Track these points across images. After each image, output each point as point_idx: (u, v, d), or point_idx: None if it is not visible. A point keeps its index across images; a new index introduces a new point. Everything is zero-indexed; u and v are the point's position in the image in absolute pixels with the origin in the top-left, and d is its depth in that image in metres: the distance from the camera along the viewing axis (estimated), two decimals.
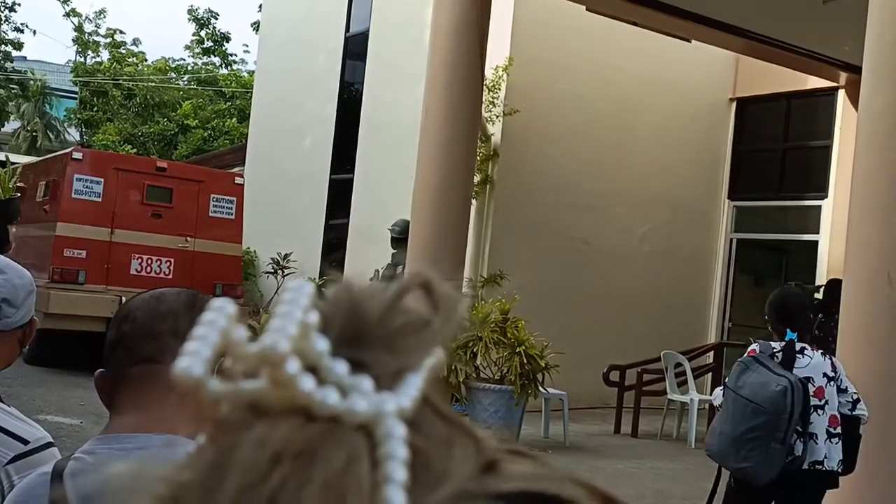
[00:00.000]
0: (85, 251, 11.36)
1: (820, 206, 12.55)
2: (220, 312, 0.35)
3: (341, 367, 0.34)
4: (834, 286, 8.07)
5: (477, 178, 10.53)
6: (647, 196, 12.59)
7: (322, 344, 0.34)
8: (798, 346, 4.59)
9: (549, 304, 11.14)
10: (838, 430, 4.51)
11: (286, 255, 14.15)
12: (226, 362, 0.35)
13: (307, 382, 0.33)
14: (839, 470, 4.51)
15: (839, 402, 4.55)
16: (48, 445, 1.92)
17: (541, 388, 8.99)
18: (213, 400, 0.34)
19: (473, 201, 10.11)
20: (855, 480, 4.73)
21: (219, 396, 0.34)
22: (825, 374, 4.55)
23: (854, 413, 4.58)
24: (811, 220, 12.70)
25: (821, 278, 12.12)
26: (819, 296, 11.13)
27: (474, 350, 8.89)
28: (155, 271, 11.59)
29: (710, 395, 6.70)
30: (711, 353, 11.42)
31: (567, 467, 0.39)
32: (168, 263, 11.68)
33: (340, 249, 13.61)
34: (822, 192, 12.53)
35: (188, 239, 11.91)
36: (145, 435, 1.47)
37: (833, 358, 4.73)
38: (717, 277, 13.52)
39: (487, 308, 9.21)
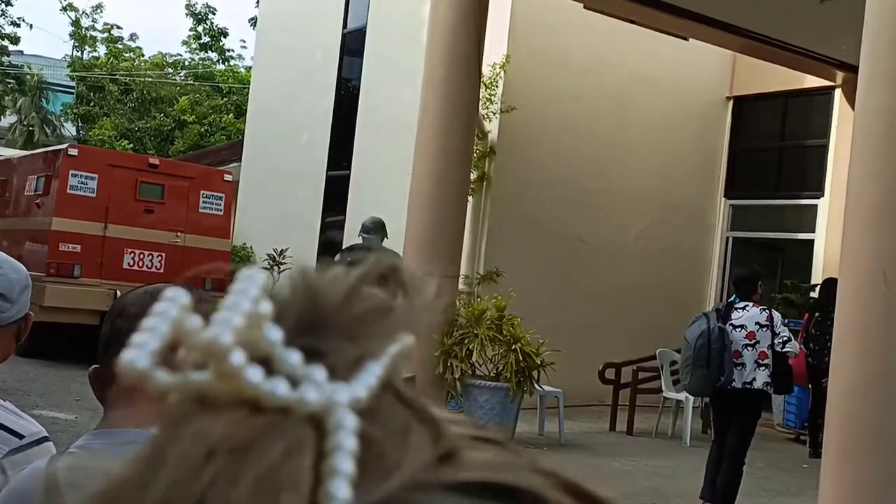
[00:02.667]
0: (79, 246, 11.42)
1: (816, 205, 12.57)
2: (172, 302, 0.34)
3: (294, 357, 0.33)
4: (830, 285, 8.10)
5: (473, 175, 10.53)
6: (644, 194, 12.59)
7: (275, 334, 0.34)
8: (742, 304, 6.63)
9: (545, 301, 11.14)
10: (766, 361, 6.45)
11: (282, 252, 14.13)
12: (179, 353, 0.34)
13: (254, 374, 0.32)
14: (766, 389, 6.52)
15: (774, 343, 6.45)
16: (43, 440, 1.91)
17: (536, 386, 9.00)
18: (160, 392, 0.33)
19: (470, 198, 10.11)
20: (854, 480, 4.75)
21: (166, 389, 0.33)
22: (758, 323, 6.51)
23: (784, 350, 6.52)
24: (807, 218, 12.71)
25: (816, 277, 12.13)
26: (815, 294, 11.16)
27: (470, 347, 8.89)
28: (147, 266, 11.73)
29: None
30: None
31: (557, 463, 0.38)
32: (160, 258, 11.82)
33: (337, 246, 13.60)
34: (818, 190, 12.54)
35: (179, 234, 12.00)
36: (139, 430, 1.47)
37: (773, 311, 6.64)
38: (713, 275, 13.53)
39: (483, 305, 9.21)
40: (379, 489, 0.32)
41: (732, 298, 6.79)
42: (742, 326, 6.52)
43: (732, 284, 6.96)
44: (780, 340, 6.50)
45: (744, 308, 6.61)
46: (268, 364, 0.33)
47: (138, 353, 0.33)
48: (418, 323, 0.38)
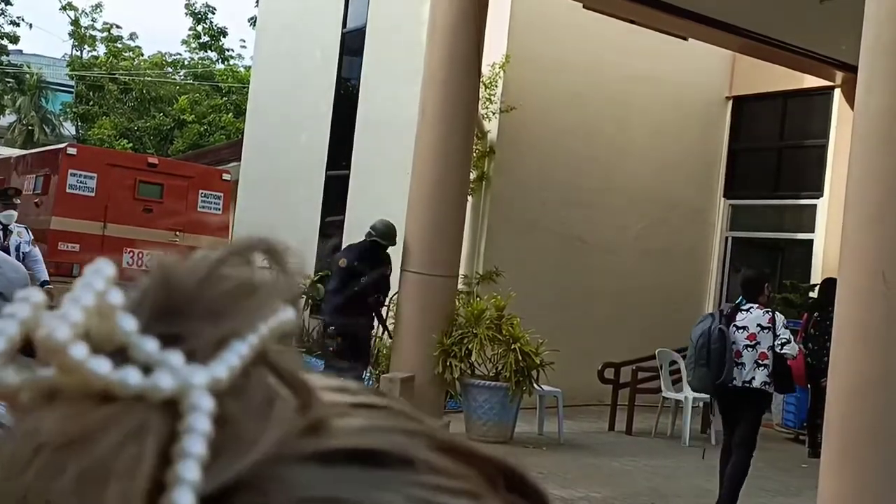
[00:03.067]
0: (79, 245, 11.42)
1: (815, 205, 12.57)
2: (23, 303, 0.33)
3: (150, 345, 0.33)
4: (829, 285, 8.12)
5: (473, 175, 10.53)
6: (643, 194, 12.59)
7: (129, 323, 0.33)
8: (747, 305, 6.86)
9: (545, 301, 11.14)
10: (765, 361, 6.71)
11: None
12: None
13: (100, 366, 0.31)
14: (764, 388, 6.78)
15: (774, 344, 6.71)
16: None
17: (535, 386, 9.00)
18: (10, 391, 0.32)
19: (469, 198, 10.11)
20: (853, 479, 4.75)
21: (14, 387, 0.32)
22: (759, 325, 6.77)
23: (782, 351, 6.74)
24: (806, 218, 12.71)
25: (816, 277, 12.13)
26: (814, 294, 11.16)
27: (469, 347, 8.89)
28: (146, 265, 11.70)
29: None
30: None
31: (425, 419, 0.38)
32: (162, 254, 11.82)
33: (336, 245, 13.59)
34: (817, 190, 12.54)
35: (178, 233, 12.02)
36: None
37: (776, 314, 6.89)
38: (713, 275, 13.53)
39: (483, 305, 9.21)
40: (232, 468, 0.31)
41: (739, 300, 7.01)
42: (744, 328, 6.79)
43: (740, 286, 7.13)
44: (779, 342, 6.75)
45: (748, 310, 6.86)
46: (124, 354, 0.33)
47: None
48: (291, 295, 0.37)
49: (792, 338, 6.87)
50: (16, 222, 9.37)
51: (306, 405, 0.34)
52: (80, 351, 0.31)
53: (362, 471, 0.33)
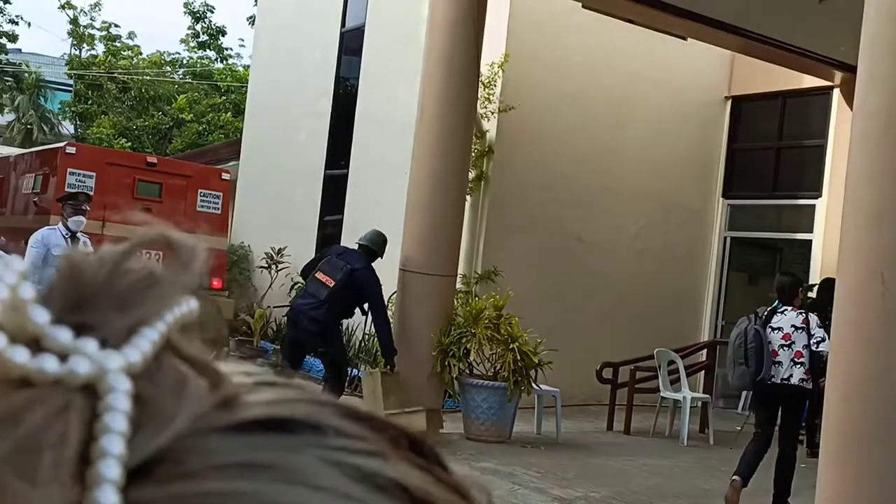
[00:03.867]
0: None
1: (814, 206, 12.57)
2: None
3: (64, 334, 0.33)
4: (828, 285, 8.14)
5: (472, 175, 10.54)
6: (642, 193, 12.60)
7: (41, 315, 0.34)
8: (782, 308, 7.32)
9: (543, 300, 11.15)
10: (801, 360, 7.16)
11: (280, 250, 14.14)
12: None
13: (17, 354, 0.32)
14: (802, 385, 7.16)
15: (809, 343, 7.15)
16: None
17: (534, 385, 9.00)
18: None
19: (468, 197, 10.12)
20: (851, 478, 4.75)
21: None
22: (794, 325, 7.22)
23: (817, 349, 7.12)
24: (805, 219, 12.72)
25: (814, 277, 12.13)
26: (813, 294, 11.17)
27: (468, 346, 8.90)
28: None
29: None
30: (704, 351, 11.44)
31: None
32: (157, 257, 11.77)
33: (334, 245, 13.59)
34: (815, 191, 12.55)
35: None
36: None
37: (809, 315, 7.31)
38: (711, 275, 13.54)
39: (481, 304, 9.21)
40: (153, 441, 0.33)
41: (775, 304, 7.43)
42: (779, 328, 7.24)
43: (776, 291, 7.57)
44: (815, 340, 7.17)
45: (783, 312, 7.32)
46: (38, 345, 0.33)
47: None
48: (192, 286, 0.39)
49: (826, 336, 7.10)
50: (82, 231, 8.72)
51: (215, 383, 0.36)
52: None
53: (274, 437, 0.35)
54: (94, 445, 0.32)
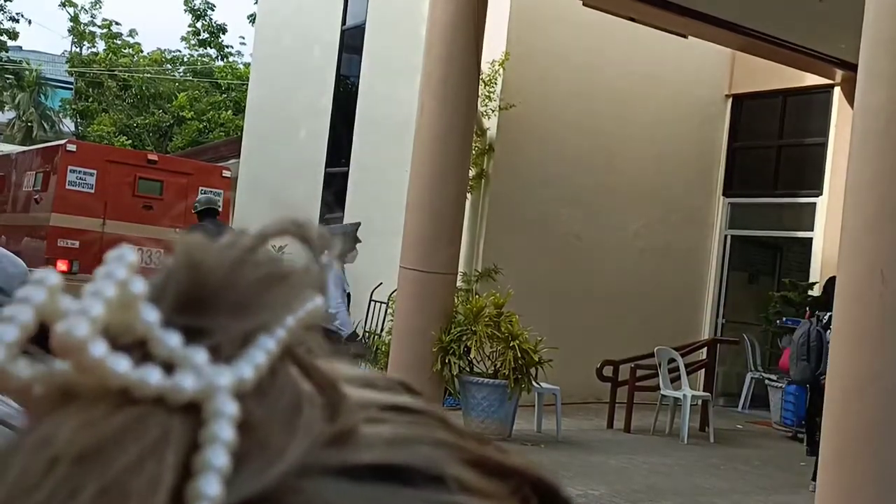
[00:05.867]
0: (78, 241, 11.41)
1: (814, 204, 12.57)
2: (39, 285, 0.30)
3: (173, 339, 0.30)
4: (832, 283, 8.18)
5: (472, 173, 10.53)
6: (642, 192, 12.59)
7: (151, 314, 0.31)
8: None
9: (544, 298, 11.15)
10: None
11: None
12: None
13: (119, 364, 0.29)
14: None
15: None
16: None
17: (534, 383, 9.00)
18: (21, 385, 0.30)
19: (468, 195, 10.11)
20: (851, 478, 4.75)
21: (28, 381, 0.30)
22: None
23: None
24: (805, 217, 12.71)
25: (815, 275, 12.15)
26: (814, 293, 11.18)
27: (468, 344, 8.90)
28: (146, 262, 11.68)
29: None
30: (705, 350, 11.43)
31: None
32: (159, 254, 11.78)
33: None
34: (816, 189, 12.54)
35: (177, 230, 11.99)
36: None
37: None
38: (711, 274, 13.54)
39: (481, 302, 9.21)
40: (257, 480, 0.29)
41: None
42: None
43: (824, 292, 8.16)
44: None
45: None
46: (144, 348, 0.31)
47: None
48: (321, 283, 0.36)
49: None
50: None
51: (334, 408, 0.32)
52: (98, 349, 0.29)
53: (388, 489, 0.31)
54: (189, 485, 0.28)
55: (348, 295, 8.45)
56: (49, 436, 0.29)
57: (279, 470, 0.30)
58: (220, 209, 10.17)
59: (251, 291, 0.33)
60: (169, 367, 0.30)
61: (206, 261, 0.33)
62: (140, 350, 0.30)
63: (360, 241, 8.84)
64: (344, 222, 13.46)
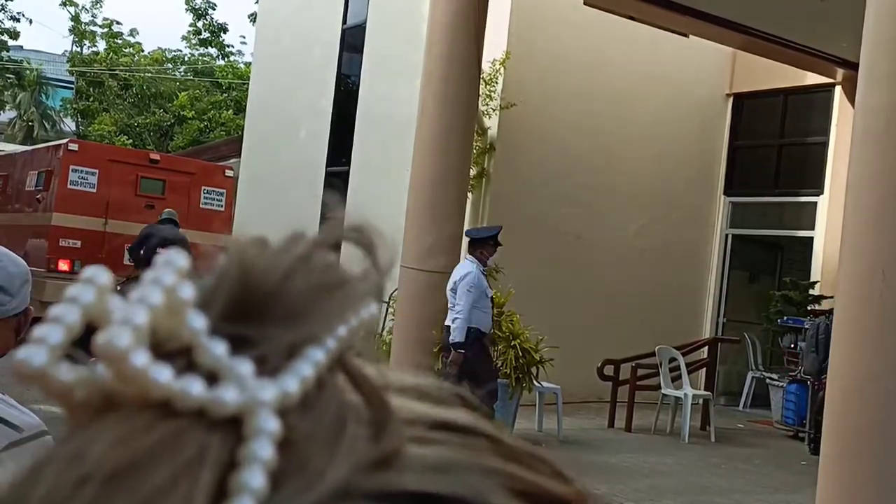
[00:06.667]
0: (80, 241, 11.40)
1: (815, 203, 12.56)
2: (86, 285, 0.30)
3: (218, 348, 0.29)
4: None
5: (473, 172, 10.53)
6: (643, 191, 12.59)
7: (198, 321, 0.30)
8: None
9: (545, 297, 11.15)
10: None
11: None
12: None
13: (162, 374, 0.28)
14: None
15: None
16: (42, 434, 1.92)
17: (535, 382, 9.00)
18: (63, 389, 0.29)
19: (469, 195, 10.11)
20: (851, 478, 4.75)
21: (69, 386, 0.29)
22: None
23: None
24: (806, 216, 12.71)
25: (815, 274, 12.14)
26: (815, 292, 11.18)
27: None
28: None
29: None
30: (706, 349, 11.44)
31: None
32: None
33: (336, 243, 13.58)
34: (817, 188, 12.54)
35: (180, 230, 11.98)
36: None
37: None
38: (712, 273, 13.53)
39: None
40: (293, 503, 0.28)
41: None
42: None
43: None
44: None
45: None
46: (189, 356, 0.30)
47: (36, 349, 0.29)
48: (378, 290, 0.34)
49: None
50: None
51: (380, 426, 0.31)
52: (140, 359, 0.28)
53: None
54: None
55: None
56: (82, 451, 0.28)
57: (317, 493, 0.28)
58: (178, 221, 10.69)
59: (303, 300, 0.32)
60: (212, 378, 0.29)
61: (259, 266, 0.32)
62: (184, 358, 0.30)
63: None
64: (344, 222, 13.45)
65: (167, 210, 10.85)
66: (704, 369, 11.15)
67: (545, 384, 9.18)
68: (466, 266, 8.38)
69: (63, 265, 11.30)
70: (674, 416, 10.33)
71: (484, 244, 8.43)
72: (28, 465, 0.29)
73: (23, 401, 2.13)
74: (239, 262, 0.32)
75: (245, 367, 0.29)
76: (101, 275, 0.30)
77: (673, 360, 10.44)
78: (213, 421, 0.28)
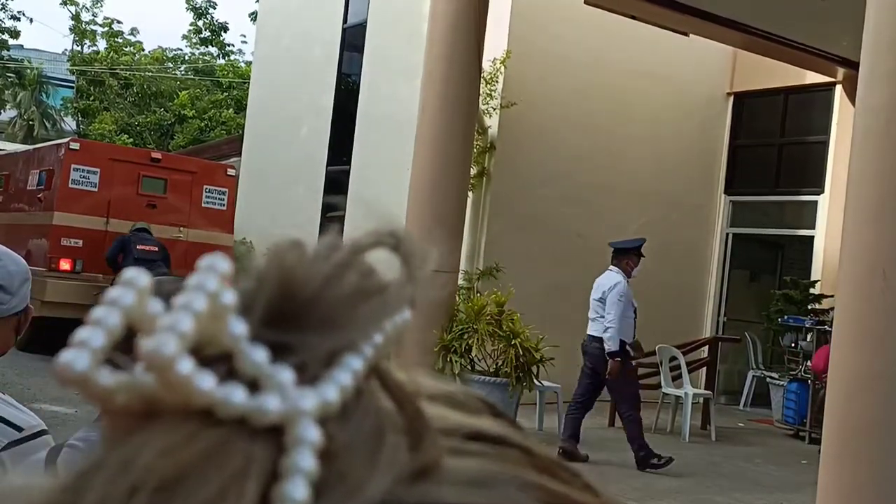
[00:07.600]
0: (81, 240, 11.39)
1: (816, 202, 12.56)
2: (127, 288, 0.30)
3: (259, 355, 0.29)
4: None
5: (473, 171, 10.53)
6: (644, 190, 12.59)
7: (239, 327, 0.30)
8: None
9: (545, 296, 11.15)
10: None
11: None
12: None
13: (205, 381, 0.28)
14: None
15: None
16: (42, 433, 1.92)
17: (536, 381, 9.00)
18: (105, 394, 0.29)
19: (470, 194, 10.11)
20: (851, 477, 4.75)
21: (111, 391, 0.29)
22: None
23: None
24: (807, 215, 12.71)
25: (816, 273, 12.14)
26: (815, 291, 11.18)
27: (469, 342, 8.90)
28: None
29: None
30: (706, 348, 11.44)
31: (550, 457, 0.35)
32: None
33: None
34: (818, 187, 12.54)
35: (181, 229, 11.97)
36: None
37: None
38: (713, 272, 13.53)
39: (483, 300, 9.21)
40: None
41: None
42: None
43: None
44: None
45: None
46: (229, 362, 0.29)
47: (78, 352, 0.28)
48: (416, 298, 0.34)
49: None
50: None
51: (418, 436, 0.31)
52: (185, 366, 0.28)
53: None
54: None
55: None
56: (130, 460, 0.28)
57: None
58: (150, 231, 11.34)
59: (341, 307, 0.31)
60: (253, 385, 0.29)
61: (299, 272, 0.32)
62: (225, 364, 0.29)
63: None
64: (346, 221, 13.46)
65: (140, 222, 11.43)
66: (705, 368, 11.15)
67: (546, 383, 9.19)
68: (614, 276, 8.48)
69: (64, 264, 11.28)
70: (674, 415, 10.33)
71: (629, 254, 8.56)
72: (75, 469, 0.29)
73: (22, 400, 2.13)
74: (279, 268, 0.32)
75: (286, 374, 0.29)
76: (140, 277, 0.30)
77: (673, 358, 10.44)
78: (254, 430, 0.28)
